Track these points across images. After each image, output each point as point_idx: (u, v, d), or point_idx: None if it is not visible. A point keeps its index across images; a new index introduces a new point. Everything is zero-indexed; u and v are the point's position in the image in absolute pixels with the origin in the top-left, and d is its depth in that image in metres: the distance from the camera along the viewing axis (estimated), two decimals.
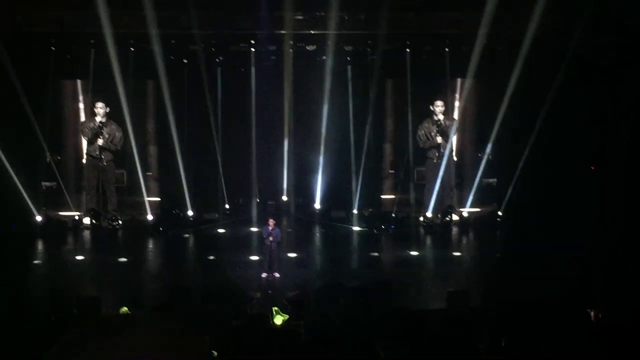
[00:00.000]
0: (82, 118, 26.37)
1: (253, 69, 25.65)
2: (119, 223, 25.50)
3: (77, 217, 25.51)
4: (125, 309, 14.69)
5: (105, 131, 25.23)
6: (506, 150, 25.77)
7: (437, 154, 26.10)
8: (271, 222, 19.89)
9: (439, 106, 25.89)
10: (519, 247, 22.85)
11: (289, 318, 13.84)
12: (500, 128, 25.14)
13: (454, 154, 26.66)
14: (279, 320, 13.56)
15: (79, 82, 26.41)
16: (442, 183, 26.05)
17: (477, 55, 23.92)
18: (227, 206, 27.57)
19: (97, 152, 25.36)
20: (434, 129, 25.94)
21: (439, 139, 25.96)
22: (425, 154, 26.42)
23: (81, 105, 26.59)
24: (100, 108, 25.15)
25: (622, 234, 20.20)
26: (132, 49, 24.66)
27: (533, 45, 22.78)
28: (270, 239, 19.58)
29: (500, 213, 25.84)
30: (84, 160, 26.17)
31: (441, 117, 25.89)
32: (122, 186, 26.38)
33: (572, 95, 22.92)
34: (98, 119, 25.18)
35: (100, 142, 25.25)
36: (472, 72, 24.62)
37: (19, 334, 10.29)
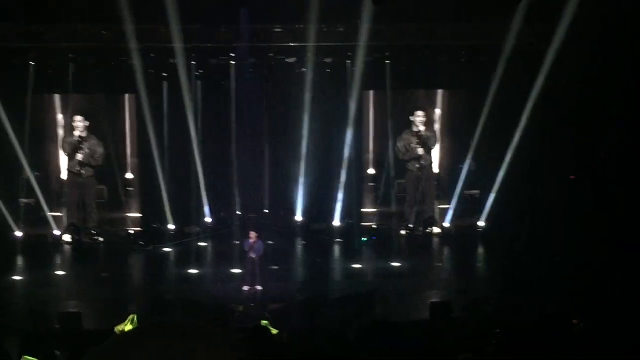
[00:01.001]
0: (61, 133, 26.12)
1: (233, 82, 25.56)
2: (98, 239, 25.36)
3: (57, 233, 25.32)
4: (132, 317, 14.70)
5: (85, 146, 25.02)
6: (487, 161, 25.83)
7: (417, 166, 26.14)
8: (252, 234, 19.83)
9: (419, 116, 25.89)
10: (500, 258, 22.98)
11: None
12: (480, 138, 25.27)
13: (434, 165, 26.65)
14: None
15: (57, 96, 26.14)
16: (422, 194, 26.11)
17: (456, 66, 24.12)
18: (208, 219, 27.49)
19: (77, 168, 25.16)
20: (414, 140, 25.95)
21: (420, 150, 25.99)
22: (406, 166, 26.43)
23: (60, 120, 26.34)
24: (79, 122, 24.94)
25: (607, 242, 20.35)
26: (112, 62, 24.51)
27: (514, 55, 22.92)
28: (252, 252, 19.52)
29: (481, 224, 25.91)
30: (64, 176, 25.92)
31: (422, 127, 25.90)
32: (102, 202, 26.17)
33: (552, 103, 23.07)
34: (77, 133, 24.98)
35: (79, 157, 25.03)
36: (452, 82, 24.77)
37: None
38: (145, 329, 1.60)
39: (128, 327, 14.01)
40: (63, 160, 25.95)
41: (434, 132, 26.46)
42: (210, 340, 1.60)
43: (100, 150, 25.41)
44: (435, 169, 26.91)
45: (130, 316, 14.74)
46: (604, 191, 22.75)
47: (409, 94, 26.50)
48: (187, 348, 1.52)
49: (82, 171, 25.14)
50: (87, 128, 25.09)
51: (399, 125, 26.27)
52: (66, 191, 25.71)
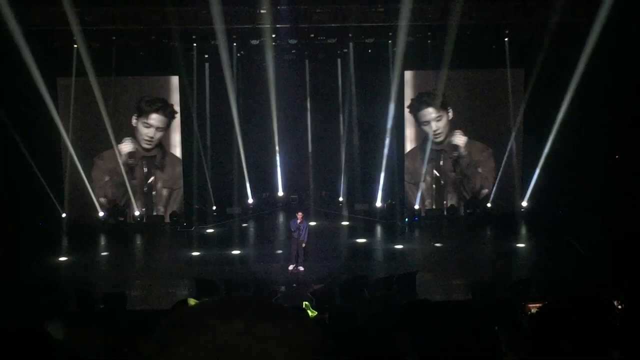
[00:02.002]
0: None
1: (274, 64, 25.52)
2: (142, 220, 25.88)
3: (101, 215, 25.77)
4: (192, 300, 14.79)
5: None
6: (530, 143, 25.64)
7: (455, 153, 26.22)
8: (299, 215, 19.79)
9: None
10: (542, 239, 22.81)
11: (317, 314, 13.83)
12: (523, 121, 25.18)
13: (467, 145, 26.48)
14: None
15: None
16: (462, 177, 26.07)
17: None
18: (250, 200, 27.67)
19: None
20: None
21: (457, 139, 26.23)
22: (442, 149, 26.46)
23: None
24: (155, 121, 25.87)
25: None
26: (153, 45, 24.65)
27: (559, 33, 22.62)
28: (297, 233, 19.50)
29: (524, 204, 25.77)
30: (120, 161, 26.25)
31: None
32: (148, 183, 26.51)
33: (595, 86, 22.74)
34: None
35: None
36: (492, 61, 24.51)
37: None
38: (209, 304, 1.61)
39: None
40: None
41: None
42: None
43: (159, 134, 26.02)
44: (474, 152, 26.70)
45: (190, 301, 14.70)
46: None
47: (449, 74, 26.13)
48: (249, 326, 1.53)
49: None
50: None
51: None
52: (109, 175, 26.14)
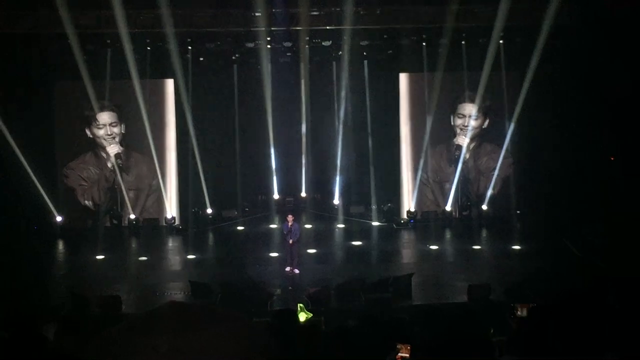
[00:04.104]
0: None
1: (269, 66, 25.50)
2: (138, 223, 25.86)
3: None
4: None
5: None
6: (524, 146, 25.71)
7: (457, 153, 26.17)
8: (290, 218, 19.80)
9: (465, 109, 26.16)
10: (537, 240, 22.82)
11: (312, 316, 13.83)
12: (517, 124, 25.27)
13: (471, 148, 26.42)
14: (302, 317, 13.56)
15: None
16: (460, 178, 26.04)
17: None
18: (246, 203, 27.67)
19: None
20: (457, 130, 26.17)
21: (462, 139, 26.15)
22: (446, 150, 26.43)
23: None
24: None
25: None
26: (148, 48, 24.61)
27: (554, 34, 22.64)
28: (290, 236, 19.50)
29: (518, 207, 25.86)
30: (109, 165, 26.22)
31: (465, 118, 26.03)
32: (143, 187, 26.47)
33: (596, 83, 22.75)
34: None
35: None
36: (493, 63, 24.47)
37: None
38: (169, 307, 1.60)
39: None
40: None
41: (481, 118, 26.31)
42: (231, 324, 1.60)
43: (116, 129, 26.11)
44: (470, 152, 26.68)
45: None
46: None
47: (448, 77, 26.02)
48: (207, 330, 1.52)
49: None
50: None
51: (441, 108, 26.10)
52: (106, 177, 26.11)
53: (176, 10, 22.73)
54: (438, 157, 26.64)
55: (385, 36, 24.52)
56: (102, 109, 25.59)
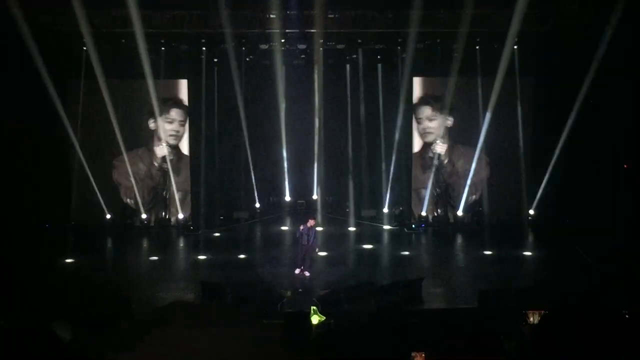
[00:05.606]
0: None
1: (282, 68, 25.52)
2: (150, 223, 25.97)
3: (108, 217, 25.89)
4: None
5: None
6: (537, 151, 25.59)
7: (435, 162, 26.23)
8: (311, 221, 19.80)
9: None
10: (550, 247, 22.77)
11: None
12: (529, 128, 25.24)
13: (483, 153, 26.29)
14: (315, 319, 13.59)
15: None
16: (472, 183, 25.98)
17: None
18: (257, 204, 27.69)
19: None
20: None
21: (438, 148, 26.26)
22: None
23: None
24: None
25: None
26: (162, 48, 24.66)
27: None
28: (305, 238, 19.48)
29: (531, 212, 25.72)
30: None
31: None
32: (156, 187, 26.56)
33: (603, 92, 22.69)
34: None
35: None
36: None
37: None
38: (174, 307, 1.62)
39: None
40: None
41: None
42: (237, 325, 1.62)
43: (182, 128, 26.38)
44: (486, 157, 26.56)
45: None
46: None
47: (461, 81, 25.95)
48: (213, 331, 1.55)
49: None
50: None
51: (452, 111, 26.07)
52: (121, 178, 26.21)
53: (191, 12, 22.87)
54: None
55: (399, 40, 24.53)
56: (174, 106, 25.91)
